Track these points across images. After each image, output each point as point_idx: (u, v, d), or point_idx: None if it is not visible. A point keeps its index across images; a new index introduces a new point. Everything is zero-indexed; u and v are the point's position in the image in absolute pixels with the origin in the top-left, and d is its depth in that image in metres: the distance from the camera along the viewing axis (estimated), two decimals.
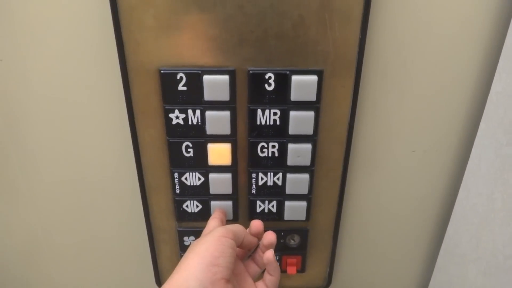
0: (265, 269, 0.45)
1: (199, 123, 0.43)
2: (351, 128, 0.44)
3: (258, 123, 0.43)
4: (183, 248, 0.51)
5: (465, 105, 0.45)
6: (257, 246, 0.46)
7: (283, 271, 0.53)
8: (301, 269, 0.54)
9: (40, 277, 0.58)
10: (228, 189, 0.47)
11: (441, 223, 0.53)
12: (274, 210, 0.49)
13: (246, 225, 0.49)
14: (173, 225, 0.50)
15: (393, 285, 0.58)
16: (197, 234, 0.50)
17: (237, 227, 0.42)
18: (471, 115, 0.46)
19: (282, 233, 0.51)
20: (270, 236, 0.44)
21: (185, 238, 0.51)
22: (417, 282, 0.58)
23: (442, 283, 0.53)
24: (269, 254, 0.42)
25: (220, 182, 0.47)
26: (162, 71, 0.40)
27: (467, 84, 0.44)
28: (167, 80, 0.41)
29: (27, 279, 0.58)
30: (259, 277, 0.45)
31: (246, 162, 0.46)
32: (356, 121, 0.44)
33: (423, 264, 0.57)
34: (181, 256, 0.52)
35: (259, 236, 0.45)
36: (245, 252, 0.46)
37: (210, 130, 0.43)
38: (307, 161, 0.45)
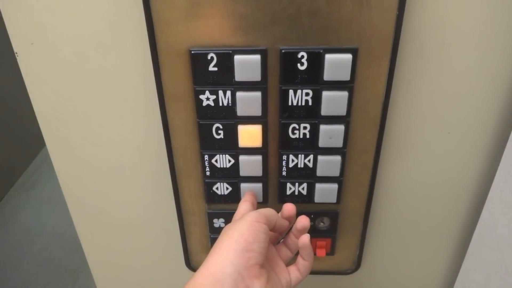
0: (297, 253, 0.44)
1: (230, 105, 0.42)
2: (385, 109, 0.43)
3: (290, 104, 0.42)
4: (213, 230, 0.52)
5: (505, 86, 0.43)
6: (289, 230, 0.45)
7: None
8: (331, 252, 0.53)
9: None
10: (258, 172, 0.47)
11: (475, 206, 0.51)
12: (304, 192, 0.48)
13: (276, 208, 0.49)
14: (203, 207, 0.50)
15: (423, 270, 0.58)
16: (226, 216, 0.50)
17: (269, 211, 0.42)
18: (510, 96, 0.44)
19: (312, 216, 0.50)
20: (303, 221, 0.43)
21: (215, 220, 0.51)
22: (448, 266, 0.57)
23: (475, 268, 0.51)
24: (305, 239, 0.42)
25: (250, 164, 0.46)
26: (192, 52, 0.40)
27: (508, 64, 0.42)
28: (197, 60, 0.40)
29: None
30: (290, 261, 0.45)
31: (277, 144, 0.45)
32: (391, 101, 0.43)
33: (455, 249, 0.55)
34: (211, 239, 0.52)
35: (291, 220, 0.45)
36: (277, 236, 0.45)
37: (240, 111, 0.43)
38: (339, 143, 0.44)
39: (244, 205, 0.45)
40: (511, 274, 0.46)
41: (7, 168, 1.96)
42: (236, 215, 0.44)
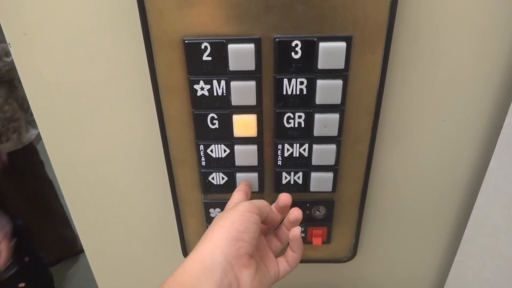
0: (287, 245, 0.45)
1: (224, 94, 0.42)
2: (380, 97, 0.43)
3: (284, 93, 0.42)
4: (209, 220, 0.52)
5: (499, 72, 0.43)
6: (281, 222, 0.46)
7: (308, 242, 0.53)
8: (327, 240, 0.54)
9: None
10: (253, 161, 0.47)
11: (470, 193, 0.52)
12: (300, 181, 0.48)
13: (272, 197, 0.49)
14: (199, 197, 0.51)
15: (419, 257, 0.58)
16: (222, 206, 0.50)
17: (262, 202, 0.42)
18: (505, 83, 0.44)
19: (308, 205, 0.50)
20: (296, 213, 0.43)
21: (211, 210, 0.51)
22: (443, 253, 0.57)
23: (470, 254, 0.52)
24: (296, 231, 0.42)
25: (246, 154, 0.46)
26: (186, 41, 0.40)
27: (502, 50, 0.42)
28: (191, 50, 0.40)
29: None
30: (280, 252, 0.45)
31: (272, 133, 0.45)
32: (385, 89, 0.43)
33: (450, 236, 0.56)
34: (207, 228, 0.52)
35: (285, 210, 0.45)
36: (268, 228, 0.46)
37: (235, 101, 0.43)
38: (334, 132, 0.44)
39: (237, 195, 0.45)
40: (506, 260, 0.46)
41: None
42: (229, 204, 0.45)
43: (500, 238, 0.46)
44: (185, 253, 0.56)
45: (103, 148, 0.49)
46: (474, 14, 0.40)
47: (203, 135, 0.45)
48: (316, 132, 0.44)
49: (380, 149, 0.48)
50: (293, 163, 0.47)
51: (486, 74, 0.44)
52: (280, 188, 0.49)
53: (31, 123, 1.47)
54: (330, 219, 0.52)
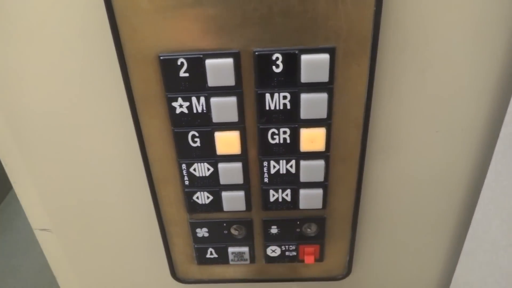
0: None
1: (205, 111, 0.40)
2: (368, 110, 0.41)
3: (267, 108, 0.40)
4: (197, 241, 0.50)
5: (493, 80, 0.41)
6: None
7: (300, 260, 0.51)
8: (320, 258, 0.51)
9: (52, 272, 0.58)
10: (239, 179, 0.45)
11: (468, 207, 0.49)
12: (288, 199, 0.46)
13: (260, 215, 0.47)
14: (185, 217, 0.49)
15: (416, 273, 0.56)
16: (210, 225, 0.49)
17: None
18: (499, 91, 0.42)
19: (298, 222, 0.48)
20: None
21: (198, 230, 0.49)
22: (442, 268, 0.55)
23: (470, 270, 0.50)
24: None
25: (230, 172, 0.44)
26: (161, 57, 0.38)
27: (495, 58, 0.40)
28: (167, 66, 0.38)
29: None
30: None
31: (257, 150, 0.43)
32: (373, 101, 0.41)
33: (449, 250, 0.54)
34: (195, 249, 0.50)
35: None
36: None
37: (216, 118, 0.41)
38: (321, 147, 0.42)
39: None
40: (506, 277, 0.44)
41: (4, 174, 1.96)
42: None
43: (499, 255, 0.44)
44: (174, 274, 0.54)
45: (83, 173, 0.47)
46: (466, 21, 0.38)
47: (185, 154, 0.43)
48: (303, 148, 0.42)
49: (371, 163, 0.46)
50: (280, 180, 0.45)
51: (480, 82, 0.42)
52: (268, 206, 0.47)
53: None
54: (322, 236, 0.50)
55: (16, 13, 0.38)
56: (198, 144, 0.42)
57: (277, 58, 0.38)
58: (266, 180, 0.45)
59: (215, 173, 0.44)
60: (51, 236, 0.53)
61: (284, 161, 0.44)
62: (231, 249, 0.51)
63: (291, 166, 0.44)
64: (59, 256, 0.56)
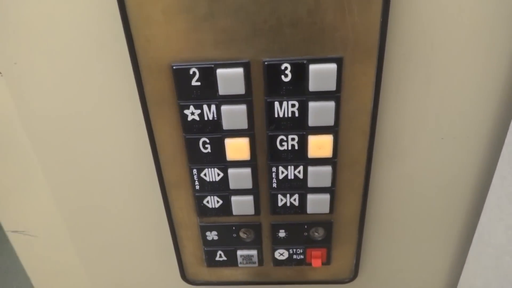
0: None
1: (215, 118, 0.42)
2: (375, 117, 0.42)
3: (276, 115, 0.41)
4: (207, 244, 0.51)
5: (499, 88, 0.42)
6: None
7: (308, 263, 0.52)
8: (327, 262, 0.52)
9: (66, 276, 0.59)
10: (248, 184, 0.46)
11: (473, 212, 0.50)
12: (296, 203, 0.47)
13: (269, 219, 0.48)
14: (195, 221, 0.50)
15: (423, 277, 0.56)
16: (219, 229, 0.50)
17: None
18: (504, 98, 0.43)
19: (306, 226, 0.49)
20: None
21: (208, 233, 0.50)
22: (447, 273, 0.56)
23: (475, 275, 0.50)
24: None
25: (240, 177, 0.45)
26: (174, 67, 0.39)
27: (500, 66, 0.41)
28: (179, 75, 0.40)
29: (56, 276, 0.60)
30: None
31: (266, 156, 0.44)
32: (380, 109, 0.42)
33: (454, 255, 0.54)
34: (205, 251, 0.52)
35: None
36: None
37: (226, 125, 0.42)
38: (329, 153, 0.43)
39: None
40: (511, 282, 0.44)
41: None
42: None
43: (505, 260, 0.45)
44: (183, 276, 0.55)
45: (97, 177, 0.49)
46: (471, 30, 0.39)
47: (196, 160, 0.45)
48: (311, 154, 0.43)
49: (377, 169, 0.47)
50: (288, 186, 0.46)
51: (486, 90, 0.42)
52: (276, 210, 0.48)
53: None
54: (329, 240, 0.50)
55: (38, 25, 0.39)
56: (208, 150, 0.44)
57: (286, 68, 0.39)
58: (274, 185, 0.46)
59: (225, 178, 0.46)
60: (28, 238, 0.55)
61: (292, 167, 0.45)
62: (240, 252, 0.52)
63: (299, 172, 0.45)
64: (69, 260, 0.57)
